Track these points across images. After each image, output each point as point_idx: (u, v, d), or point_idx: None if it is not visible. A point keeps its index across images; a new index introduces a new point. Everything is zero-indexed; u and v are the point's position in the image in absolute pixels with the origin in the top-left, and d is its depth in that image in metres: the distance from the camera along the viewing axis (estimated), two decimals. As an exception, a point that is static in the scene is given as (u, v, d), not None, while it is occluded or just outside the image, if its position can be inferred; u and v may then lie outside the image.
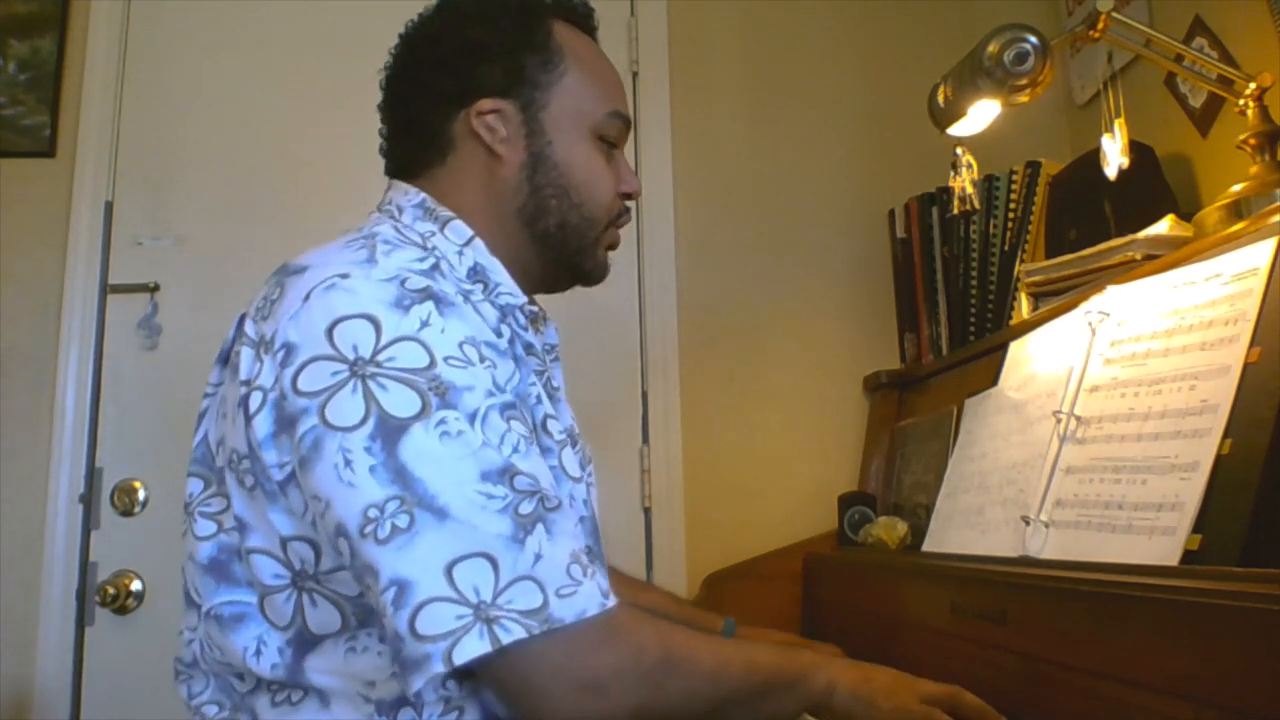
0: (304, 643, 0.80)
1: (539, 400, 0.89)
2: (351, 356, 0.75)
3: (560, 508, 0.77)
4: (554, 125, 0.96)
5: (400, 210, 0.95)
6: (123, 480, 1.77)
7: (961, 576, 1.05)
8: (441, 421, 0.74)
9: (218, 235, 1.86)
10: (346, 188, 1.86)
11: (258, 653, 0.81)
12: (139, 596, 1.73)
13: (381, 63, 1.03)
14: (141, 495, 1.77)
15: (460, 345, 0.78)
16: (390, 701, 0.78)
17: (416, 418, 0.73)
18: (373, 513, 0.72)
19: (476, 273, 0.92)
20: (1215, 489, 0.77)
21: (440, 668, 0.69)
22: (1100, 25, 1.20)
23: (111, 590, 1.70)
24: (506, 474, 0.74)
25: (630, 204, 1.04)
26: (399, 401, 0.74)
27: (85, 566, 1.73)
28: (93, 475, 1.76)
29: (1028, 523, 0.99)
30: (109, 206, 1.85)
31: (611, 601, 0.75)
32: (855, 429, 1.82)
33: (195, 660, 0.87)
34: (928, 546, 1.25)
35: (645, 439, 1.84)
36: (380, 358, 0.75)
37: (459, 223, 0.93)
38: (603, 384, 1.85)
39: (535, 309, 0.98)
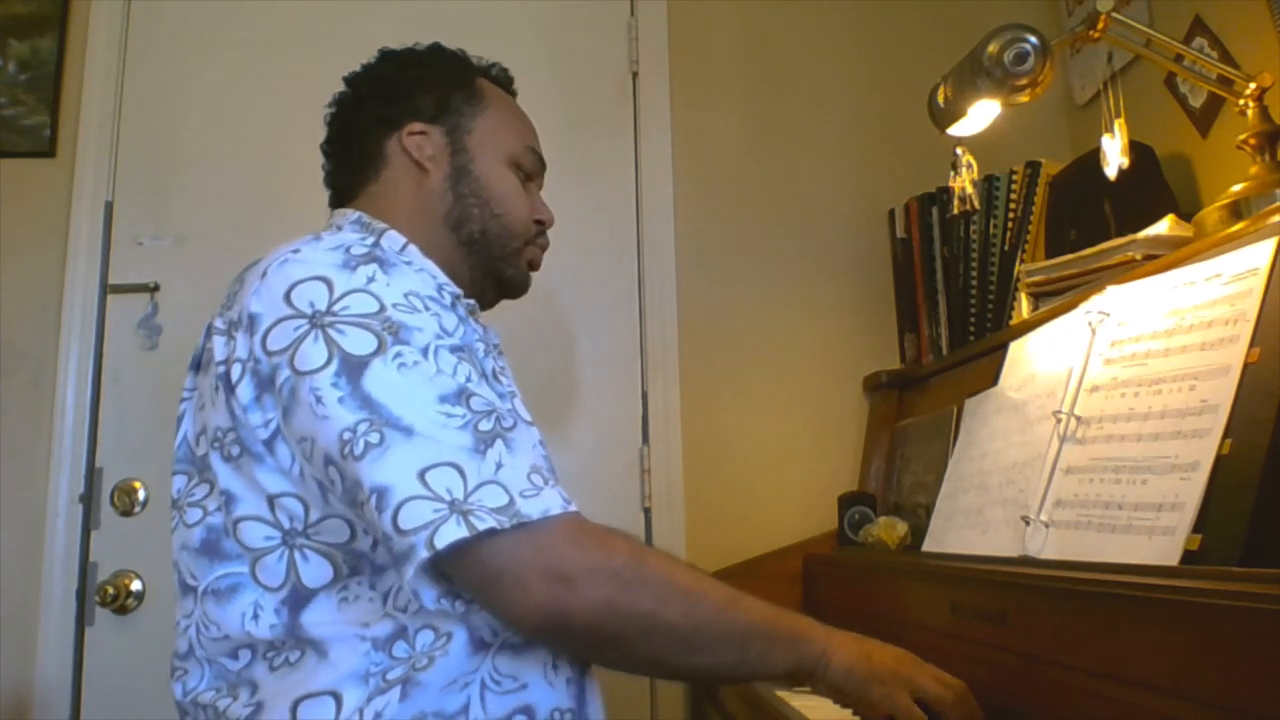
0: (298, 599, 0.85)
1: (486, 354, 0.95)
2: (309, 311, 0.83)
3: (516, 427, 0.83)
4: (476, 147, 1.09)
5: (340, 228, 1.05)
6: (123, 480, 1.77)
7: (961, 576, 1.05)
8: (398, 354, 0.81)
9: (218, 235, 1.85)
10: (346, 188, 1.87)
11: (255, 616, 0.85)
12: (139, 596, 1.73)
13: None
14: (141, 495, 1.77)
15: (405, 295, 0.86)
16: (385, 637, 0.83)
17: (375, 354, 0.81)
18: (346, 435, 0.78)
19: None
20: (1215, 489, 0.77)
21: (424, 553, 0.74)
22: (1100, 25, 1.20)
23: (111, 590, 1.70)
24: (463, 395, 0.81)
25: (545, 230, 1.15)
26: (357, 342, 0.81)
27: (85, 566, 1.73)
28: (93, 475, 1.76)
29: (1028, 523, 0.99)
30: (109, 206, 1.85)
31: (573, 507, 0.80)
32: (855, 429, 1.82)
33: (190, 649, 0.90)
34: (928, 546, 1.25)
35: (645, 439, 1.84)
36: (336, 308, 0.83)
37: (393, 233, 1.02)
38: (603, 384, 1.85)
39: (471, 302, 1.03)
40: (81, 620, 1.72)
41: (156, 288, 1.83)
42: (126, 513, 1.76)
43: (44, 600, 1.71)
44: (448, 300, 0.92)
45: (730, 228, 1.92)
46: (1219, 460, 0.78)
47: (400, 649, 0.83)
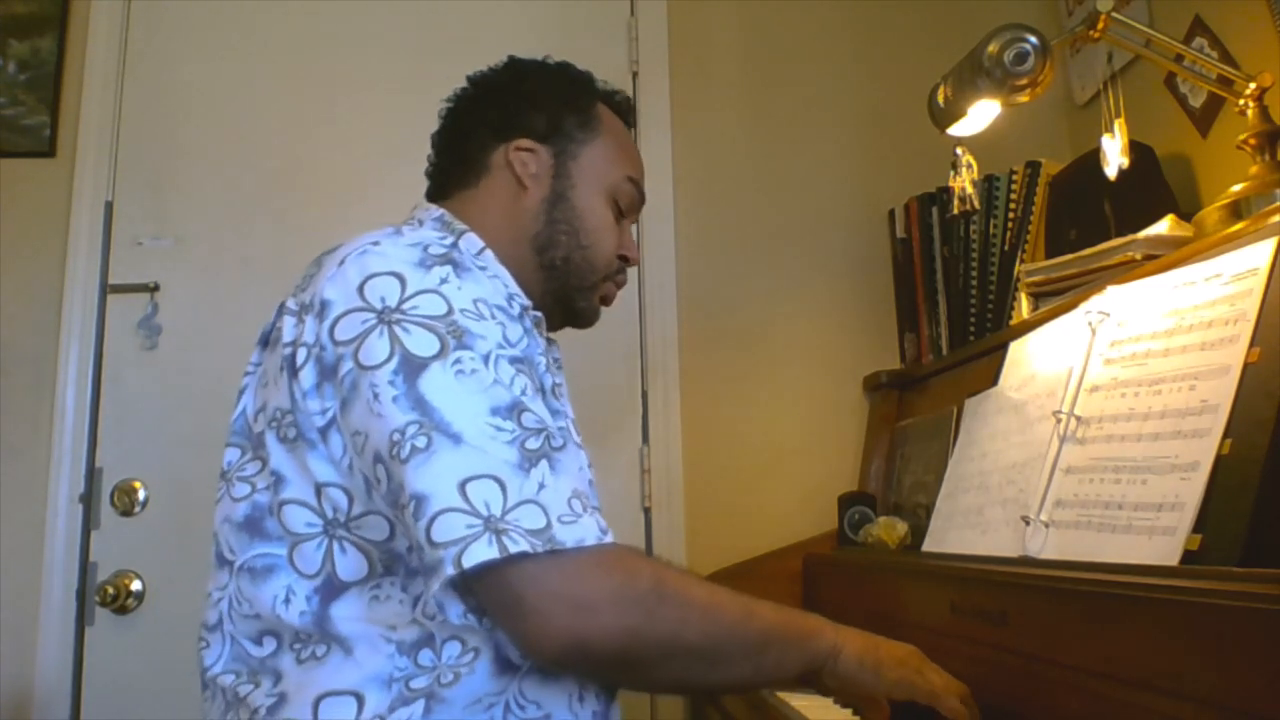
0: (331, 590, 0.85)
1: (547, 369, 0.95)
2: (379, 306, 0.83)
3: (565, 448, 0.82)
4: (579, 174, 1.09)
5: (421, 222, 1.05)
6: (123, 480, 1.77)
7: (961, 576, 1.05)
8: (458, 361, 0.81)
9: (218, 235, 1.86)
10: (346, 187, 1.87)
11: (286, 600, 0.85)
12: (139, 596, 1.73)
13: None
14: (141, 495, 1.77)
15: (474, 301, 0.86)
16: (410, 642, 0.83)
17: (435, 357, 0.81)
18: (396, 436, 0.78)
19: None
20: (1215, 489, 0.77)
21: (450, 570, 0.73)
22: (1100, 25, 1.20)
23: (111, 590, 1.70)
24: (515, 410, 0.81)
25: (627, 268, 1.15)
26: (420, 343, 0.81)
27: (85, 566, 1.73)
28: (93, 475, 1.76)
29: (1028, 523, 0.99)
30: (109, 206, 1.85)
31: (609, 537, 0.80)
32: (855, 429, 1.82)
33: (219, 621, 0.91)
34: (928, 546, 1.25)
35: (645, 439, 1.84)
36: (405, 306, 0.83)
37: (472, 235, 1.02)
38: (603, 384, 1.85)
39: (539, 315, 1.02)
40: (81, 620, 1.72)
41: (156, 288, 1.83)
42: (126, 513, 1.76)
43: (44, 600, 1.71)
44: (516, 310, 0.91)
45: (730, 228, 1.92)
46: (1219, 460, 0.78)
47: (426, 657, 0.83)
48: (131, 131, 1.87)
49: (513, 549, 0.73)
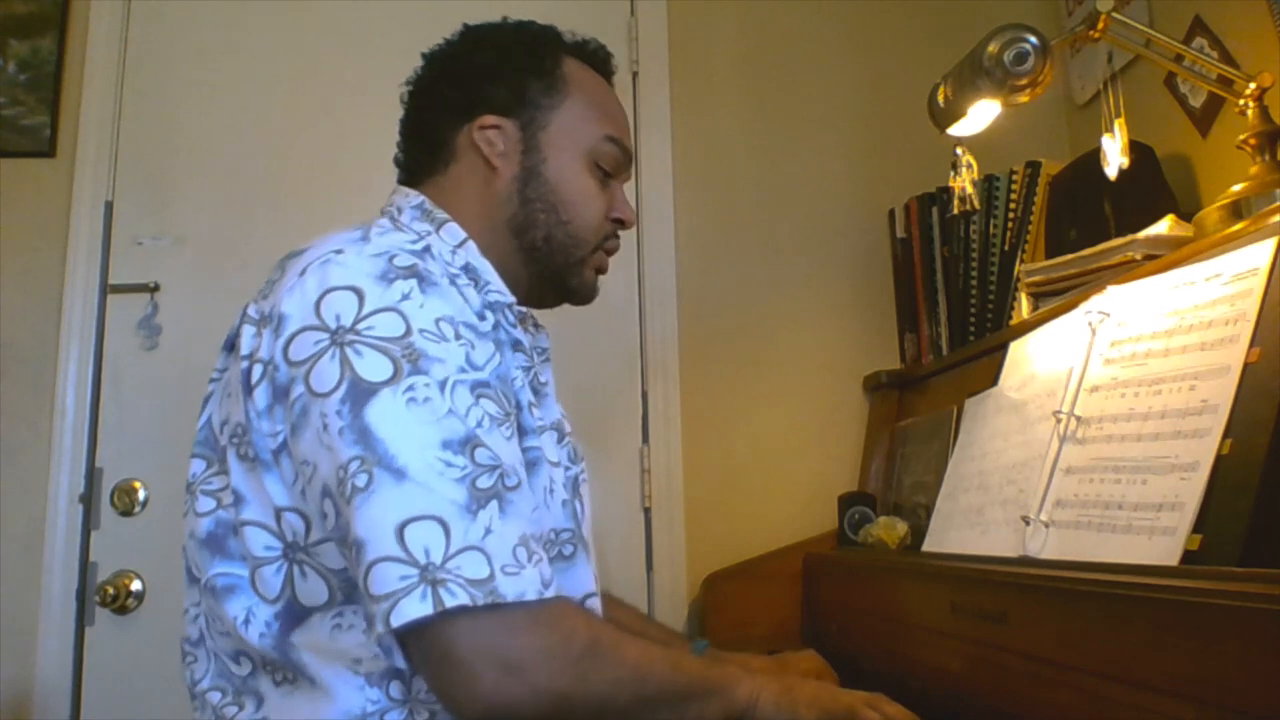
0: (292, 616, 0.82)
1: (523, 386, 0.91)
2: (334, 325, 0.79)
3: (519, 488, 0.78)
4: (550, 145, 1.00)
5: (400, 211, 0.99)
6: (123, 480, 1.77)
7: (961, 576, 1.05)
8: (410, 387, 0.76)
9: (218, 235, 1.85)
10: (346, 187, 1.87)
11: (246, 621, 0.83)
12: (139, 596, 1.73)
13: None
14: (141, 495, 1.76)
15: (437, 321, 0.81)
16: (378, 674, 0.80)
17: (386, 383, 0.76)
18: (340, 473, 0.75)
19: (469, 271, 0.95)
20: (1215, 489, 0.77)
21: (380, 628, 0.70)
22: (1100, 25, 1.20)
23: (111, 590, 1.70)
24: (468, 445, 0.76)
25: (621, 231, 1.07)
26: (372, 367, 0.77)
27: (85, 566, 1.73)
28: (93, 475, 1.76)
29: (1028, 523, 0.99)
30: (109, 206, 1.85)
31: (549, 593, 0.76)
32: (855, 429, 1.82)
33: (201, 637, 0.89)
34: (928, 546, 1.25)
35: (645, 439, 1.84)
36: (360, 326, 0.78)
37: (454, 225, 0.97)
38: (603, 384, 1.85)
39: (524, 310, 1.00)
40: (81, 620, 1.71)
41: (156, 288, 1.83)
42: (126, 513, 1.76)
43: (44, 600, 1.70)
44: (489, 324, 0.87)
45: (730, 228, 1.92)
46: (1219, 460, 0.78)
47: (395, 690, 0.80)
48: (131, 131, 1.87)
49: (449, 602, 0.69)
